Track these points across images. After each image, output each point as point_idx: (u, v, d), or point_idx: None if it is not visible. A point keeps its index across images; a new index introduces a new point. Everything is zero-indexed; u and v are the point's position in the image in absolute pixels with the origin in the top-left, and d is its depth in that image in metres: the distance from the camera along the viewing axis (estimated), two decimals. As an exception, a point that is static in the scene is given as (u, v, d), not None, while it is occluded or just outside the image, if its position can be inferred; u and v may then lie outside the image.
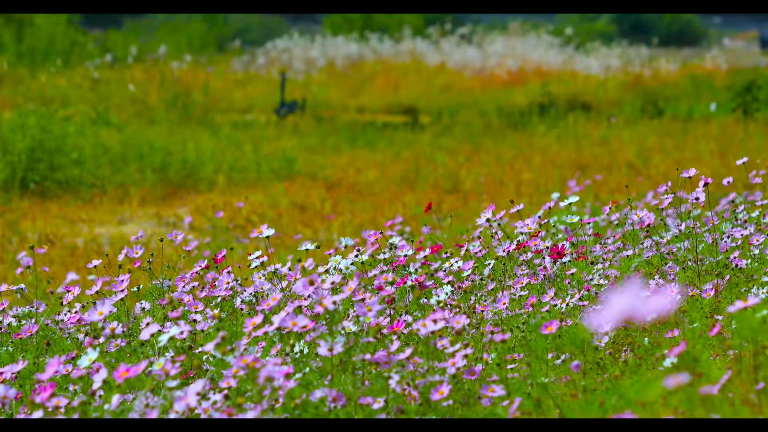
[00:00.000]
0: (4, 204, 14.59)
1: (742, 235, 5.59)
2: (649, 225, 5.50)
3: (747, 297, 4.93)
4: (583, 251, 5.79)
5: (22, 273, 5.61)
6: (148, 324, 4.55)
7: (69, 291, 5.07)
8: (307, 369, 4.06)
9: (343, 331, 3.96)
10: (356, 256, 5.24)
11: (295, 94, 24.45)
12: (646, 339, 4.60)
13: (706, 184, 5.41)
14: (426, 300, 4.95)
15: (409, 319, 4.59)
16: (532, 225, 5.46)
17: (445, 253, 5.68)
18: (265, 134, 20.22)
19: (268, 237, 5.04)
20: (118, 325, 4.37)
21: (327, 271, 5.21)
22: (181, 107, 22.46)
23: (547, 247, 5.37)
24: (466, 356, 3.91)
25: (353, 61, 29.88)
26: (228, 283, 5.16)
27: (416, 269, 5.23)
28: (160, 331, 4.50)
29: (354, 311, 4.19)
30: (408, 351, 3.93)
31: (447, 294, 4.87)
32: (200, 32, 32.79)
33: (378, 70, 28.47)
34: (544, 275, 5.29)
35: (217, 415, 3.69)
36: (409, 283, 5.06)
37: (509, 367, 4.27)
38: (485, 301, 5.19)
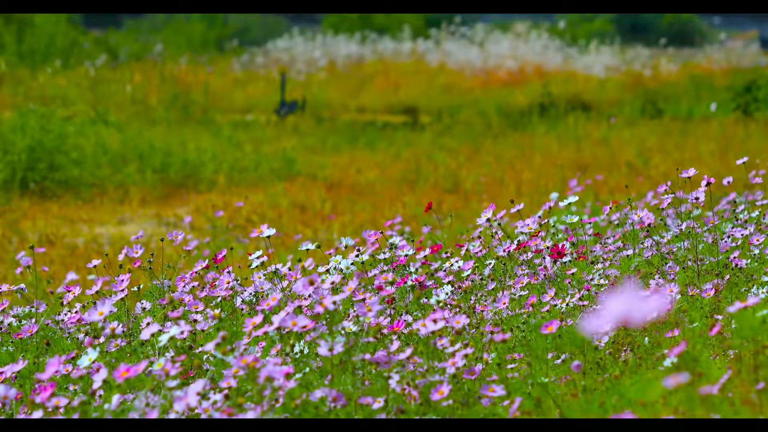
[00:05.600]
0: (4, 204, 14.59)
1: (742, 235, 5.59)
2: (649, 225, 5.50)
3: (747, 297, 4.93)
4: (584, 251, 5.79)
5: (22, 273, 5.61)
6: (148, 324, 4.55)
7: (69, 291, 5.07)
8: (307, 369, 4.06)
9: (343, 331, 3.96)
10: (356, 256, 5.24)
11: (295, 94, 24.45)
12: (646, 339, 4.60)
13: (708, 184, 5.41)
14: (426, 300, 4.95)
15: (409, 319, 4.59)
16: (532, 225, 5.46)
17: (446, 252, 5.67)
18: (266, 134, 20.21)
19: (268, 237, 5.04)
20: (119, 325, 4.37)
21: (327, 271, 5.20)
22: (181, 107, 22.46)
23: (548, 247, 5.37)
24: (466, 356, 3.91)
25: (353, 60, 29.87)
26: (228, 282, 5.16)
27: (416, 269, 5.23)
28: (160, 330, 4.50)
29: (354, 311, 4.19)
30: (408, 351, 3.93)
31: (447, 294, 4.87)
32: (200, 32, 32.77)
33: (378, 69, 28.47)
34: (545, 275, 5.29)
35: (217, 415, 3.69)
36: (410, 283, 5.06)
37: (509, 366, 4.27)
38: (485, 300, 5.19)
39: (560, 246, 5.34)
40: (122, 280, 4.84)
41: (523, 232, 5.44)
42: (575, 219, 5.78)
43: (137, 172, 16.07)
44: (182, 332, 4.02)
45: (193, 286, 5.28)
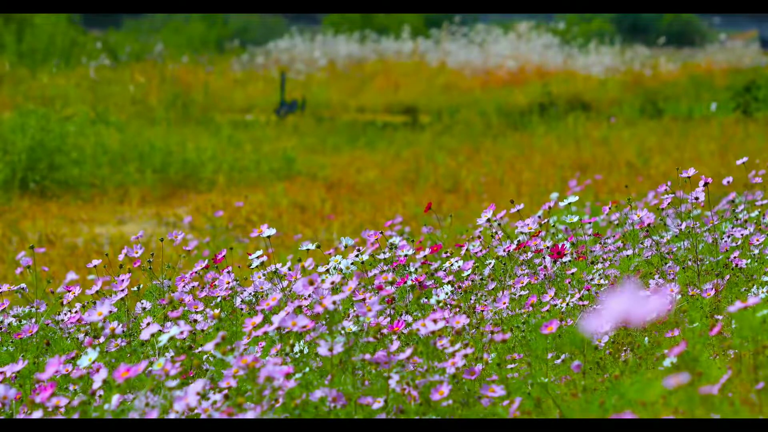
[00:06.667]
0: (4, 204, 14.59)
1: (742, 234, 5.59)
2: (649, 225, 5.50)
3: (747, 297, 4.93)
4: (583, 251, 5.79)
5: (22, 273, 5.61)
6: (148, 324, 4.55)
7: (69, 291, 5.07)
8: (307, 369, 4.06)
9: (343, 331, 3.96)
10: (356, 255, 5.24)
11: (295, 94, 24.45)
12: (646, 339, 4.60)
13: (705, 184, 5.41)
14: (426, 300, 4.95)
15: (409, 319, 4.59)
16: (532, 225, 5.46)
17: (445, 252, 5.67)
18: (265, 134, 20.22)
19: (268, 237, 5.04)
20: (119, 324, 4.37)
21: (327, 270, 5.20)
22: (181, 107, 22.45)
23: (548, 247, 5.37)
24: (466, 356, 3.91)
25: (353, 60, 29.88)
26: (228, 282, 5.16)
27: (416, 269, 5.23)
28: (160, 330, 4.50)
29: (354, 311, 4.19)
30: (408, 351, 3.93)
31: (447, 294, 4.87)
32: (200, 32, 32.78)
33: (378, 69, 28.47)
34: (545, 275, 5.29)
35: (217, 415, 3.69)
36: (409, 282, 5.06)
37: (509, 366, 4.27)
38: (485, 300, 5.19)
39: (560, 246, 5.34)
40: (122, 280, 4.84)
41: (523, 232, 5.44)
42: (575, 219, 5.78)
43: (137, 171, 16.07)
44: (182, 332, 4.02)
45: (193, 286, 5.28)
